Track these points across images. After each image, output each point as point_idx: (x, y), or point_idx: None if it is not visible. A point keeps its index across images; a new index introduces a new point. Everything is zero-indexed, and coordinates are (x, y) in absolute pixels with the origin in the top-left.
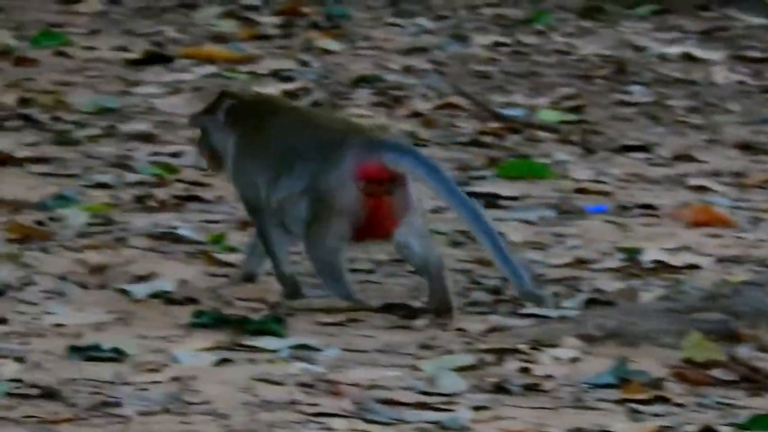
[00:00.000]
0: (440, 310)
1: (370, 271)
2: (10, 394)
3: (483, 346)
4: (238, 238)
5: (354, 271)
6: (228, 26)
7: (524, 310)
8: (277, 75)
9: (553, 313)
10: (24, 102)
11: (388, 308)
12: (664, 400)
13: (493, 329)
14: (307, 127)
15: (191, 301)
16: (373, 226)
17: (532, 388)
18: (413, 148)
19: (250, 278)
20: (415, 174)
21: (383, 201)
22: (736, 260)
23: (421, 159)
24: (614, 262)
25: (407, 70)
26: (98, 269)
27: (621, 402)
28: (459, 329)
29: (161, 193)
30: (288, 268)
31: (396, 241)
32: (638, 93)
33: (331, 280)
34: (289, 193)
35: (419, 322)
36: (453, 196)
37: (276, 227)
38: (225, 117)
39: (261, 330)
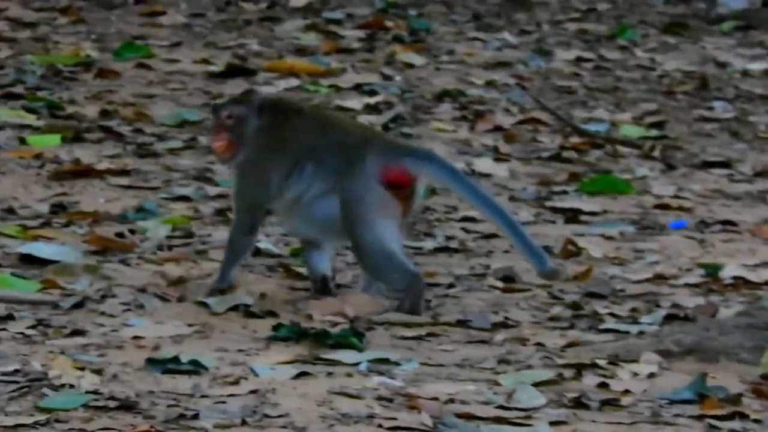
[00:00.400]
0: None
1: (450, 286)
2: (88, 406)
3: (561, 361)
4: None
5: (433, 285)
6: (311, 39)
7: (603, 326)
8: (360, 88)
9: (632, 328)
10: (105, 114)
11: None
12: (742, 415)
13: (572, 344)
14: (330, 129)
15: (270, 314)
16: None
17: (610, 403)
18: (431, 152)
19: (324, 284)
20: (435, 176)
21: (404, 206)
22: None
23: (440, 162)
24: (694, 278)
25: (490, 84)
26: (178, 282)
27: (699, 417)
28: (538, 344)
29: None
30: (233, 276)
31: None
32: (720, 109)
33: (387, 272)
34: (306, 192)
35: (498, 337)
36: (474, 195)
37: (250, 235)
38: (257, 109)
39: (340, 343)
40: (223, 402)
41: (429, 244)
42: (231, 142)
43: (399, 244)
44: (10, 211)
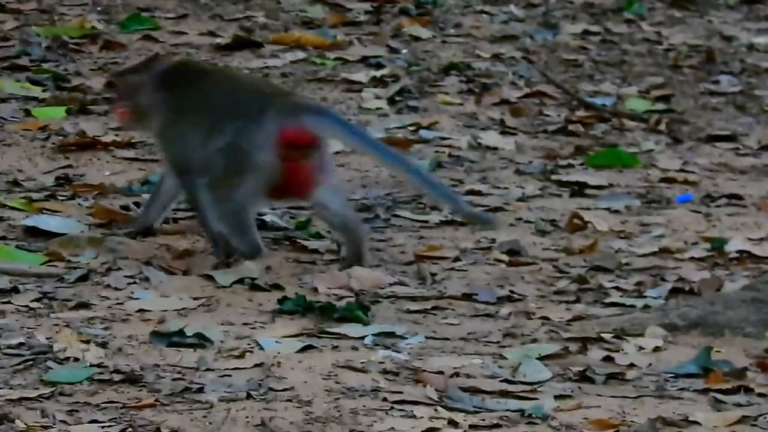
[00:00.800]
0: (353, 262)
1: (455, 259)
2: (92, 379)
3: (567, 335)
4: (323, 224)
5: (439, 258)
6: (317, 12)
7: (608, 300)
8: (366, 61)
9: (637, 302)
10: (111, 86)
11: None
12: (747, 390)
13: (578, 318)
14: (236, 89)
15: (276, 287)
16: (290, 187)
17: (615, 377)
18: (331, 110)
19: (148, 231)
20: (334, 133)
21: (301, 164)
22: None
23: (338, 119)
24: (699, 252)
25: (496, 57)
26: (183, 255)
27: (704, 391)
28: (543, 318)
29: None
30: (217, 226)
31: (315, 200)
32: (726, 83)
33: (238, 233)
34: (215, 150)
35: (503, 311)
36: (375, 148)
37: (202, 186)
38: (159, 76)
39: (345, 317)
40: (229, 375)
41: (435, 217)
42: (132, 109)
43: (254, 213)
44: (15, 183)
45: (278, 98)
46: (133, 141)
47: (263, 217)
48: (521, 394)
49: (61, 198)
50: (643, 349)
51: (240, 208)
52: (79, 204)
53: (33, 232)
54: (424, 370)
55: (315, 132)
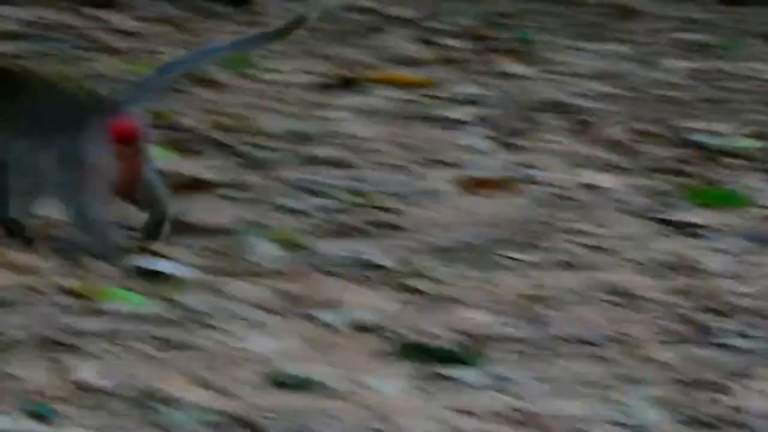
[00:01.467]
0: (150, 233)
1: (564, 300)
2: (202, 423)
3: (678, 377)
4: (429, 264)
5: (548, 299)
6: (414, 50)
7: (719, 341)
8: (463, 99)
9: (748, 344)
10: (211, 125)
11: None
12: None
13: (689, 360)
14: (52, 93)
15: (383, 329)
16: (126, 185)
17: (726, 420)
18: (143, 80)
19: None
20: (161, 87)
21: (135, 161)
22: None
23: (152, 79)
24: None
25: (597, 95)
26: (289, 296)
27: None
28: (654, 360)
29: (351, 219)
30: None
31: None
32: None
33: (97, 237)
34: (28, 153)
35: (613, 352)
36: (200, 56)
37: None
38: None
39: (457, 359)
40: (340, 419)
41: (543, 257)
42: None
43: (105, 209)
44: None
45: (101, 98)
46: (235, 182)
47: (367, 257)
48: None
49: (173, 243)
50: (756, 391)
51: (91, 211)
52: (190, 245)
53: (140, 273)
54: (538, 414)
55: (141, 110)
